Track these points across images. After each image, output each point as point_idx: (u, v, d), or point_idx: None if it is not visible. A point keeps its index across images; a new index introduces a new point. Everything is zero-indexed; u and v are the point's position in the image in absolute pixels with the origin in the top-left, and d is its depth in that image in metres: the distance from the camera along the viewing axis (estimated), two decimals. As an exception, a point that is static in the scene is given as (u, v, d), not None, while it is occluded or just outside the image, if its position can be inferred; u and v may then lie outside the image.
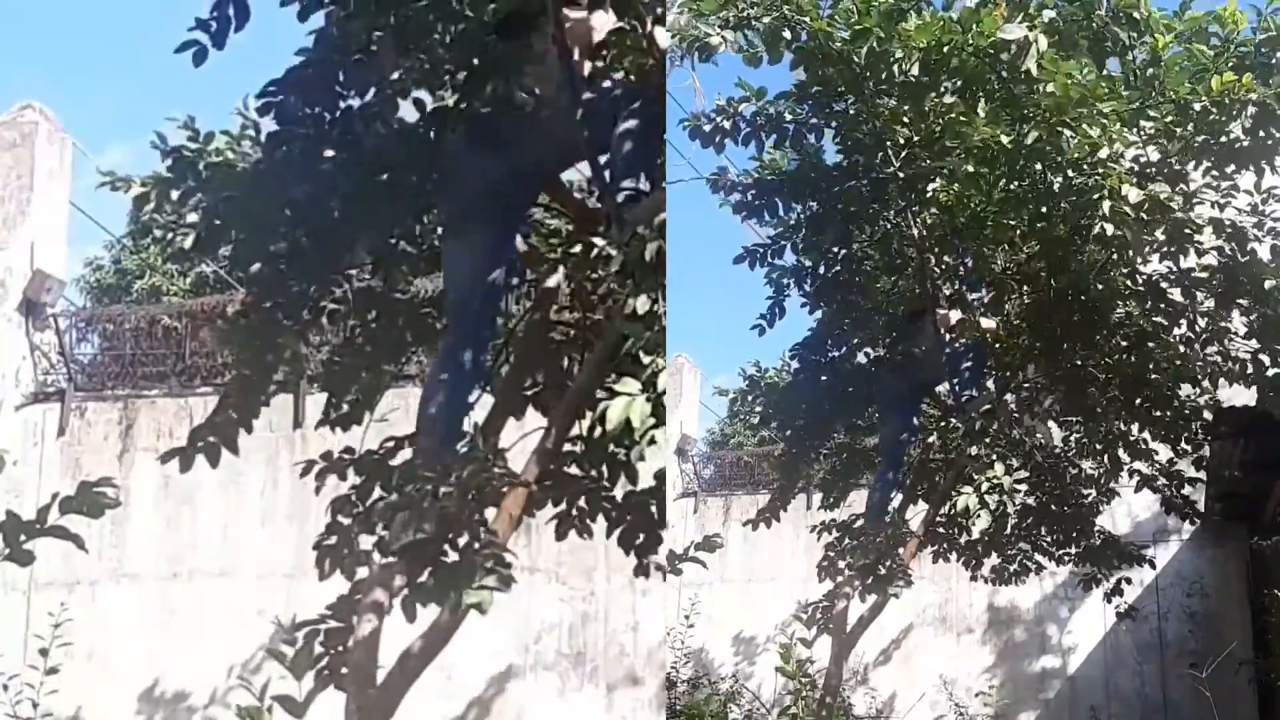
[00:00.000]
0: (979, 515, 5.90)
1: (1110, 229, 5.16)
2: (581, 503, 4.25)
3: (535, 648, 9.41)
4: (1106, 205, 5.01)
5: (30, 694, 7.75)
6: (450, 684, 9.06)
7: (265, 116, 4.09)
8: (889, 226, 6.61)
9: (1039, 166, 5.37)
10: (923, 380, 7.13)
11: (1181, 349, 6.43)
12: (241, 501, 9.65)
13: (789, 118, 5.98)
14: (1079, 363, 6.65)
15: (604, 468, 4.17)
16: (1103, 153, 5.08)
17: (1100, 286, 5.97)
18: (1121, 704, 11.45)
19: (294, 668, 2.96)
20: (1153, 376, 6.62)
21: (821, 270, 7.07)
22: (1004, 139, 5.10)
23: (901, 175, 5.81)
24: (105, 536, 9.34)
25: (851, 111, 5.86)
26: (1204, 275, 5.98)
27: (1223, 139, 5.33)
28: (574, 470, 4.20)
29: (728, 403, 18.15)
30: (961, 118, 5.15)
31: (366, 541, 3.86)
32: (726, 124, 5.96)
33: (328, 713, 3.39)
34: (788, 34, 5.27)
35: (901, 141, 5.67)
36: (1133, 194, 5.01)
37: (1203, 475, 7.93)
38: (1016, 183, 5.62)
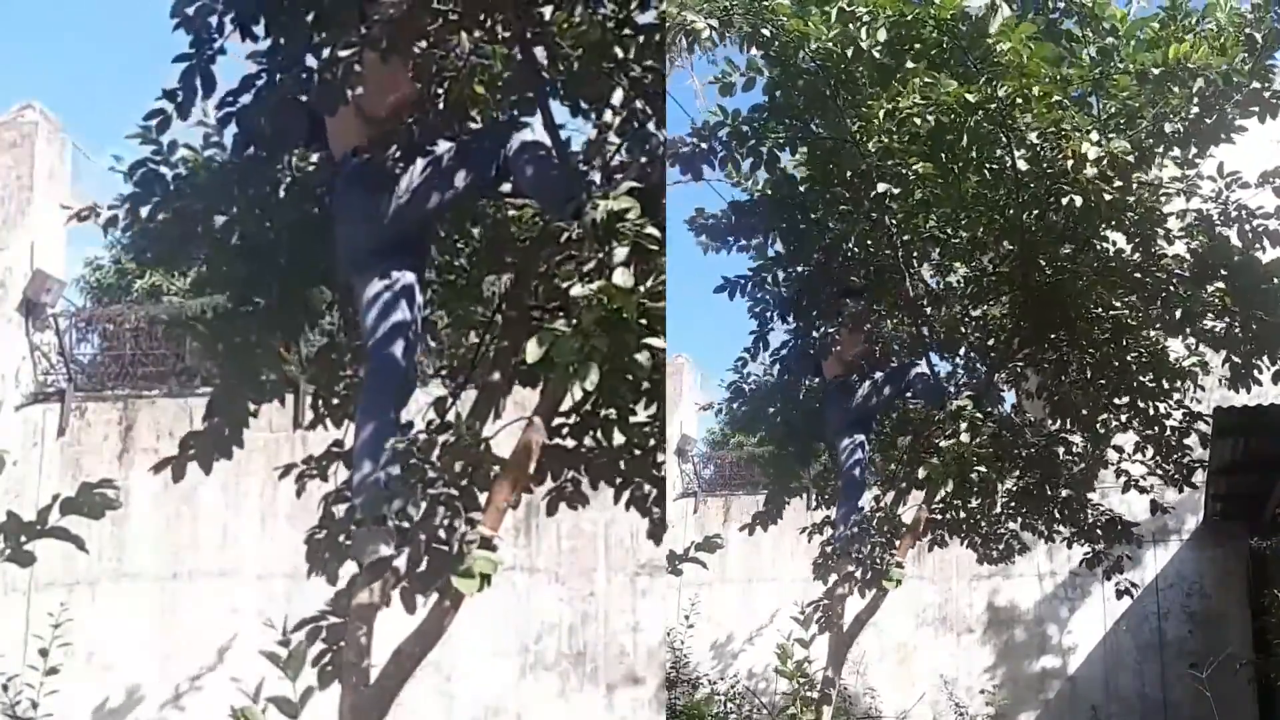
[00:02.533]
0: (941, 483, 5.95)
1: (1079, 200, 5.22)
2: (579, 472, 4.20)
3: (535, 648, 9.41)
4: (1069, 164, 5.07)
5: (30, 694, 7.75)
6: (450, 684, 9.07)
7: (226, 128, 4.00)
8: (865, 236, 6.62)
9: (1003, 139, 5.40)
10: (866, 407, 7.14)
11: (1153, 335, 6.48)
12: (241, 501, 9.66)
13: (760, 133, 6.05)
14: (1063, 359, 6.70)
15: (598, 432, 4.10)
16: (1066, 125, 5.15)
17: (1069, 270, 6.00)
18: (1121, 704, 11.46)
19: (288, 668, 2.96)
20: (1133, 367, 6.65)
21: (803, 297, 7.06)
22: (969, 97, 5.13)
23: (876, 176, 5.84)
24: (105, 536, 9.35)
25: (816, 128, 5.98)
26: (1172, 263, 6.04)
27: (1182, 119, 5.35)
28: (568, 442, 4.15)
29: (725, 405, 18.09)
30: (928, 79, 5.18)
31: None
32: (704, 146, 6.04)
33: (323, 712, 3.39)
34: (766, 32, 5.38)
35: (871, 150, 5.71)
36: (1091, 151, 5.04)
37: (1168, 467, 7.89)
38: (980, 153, 5.62)
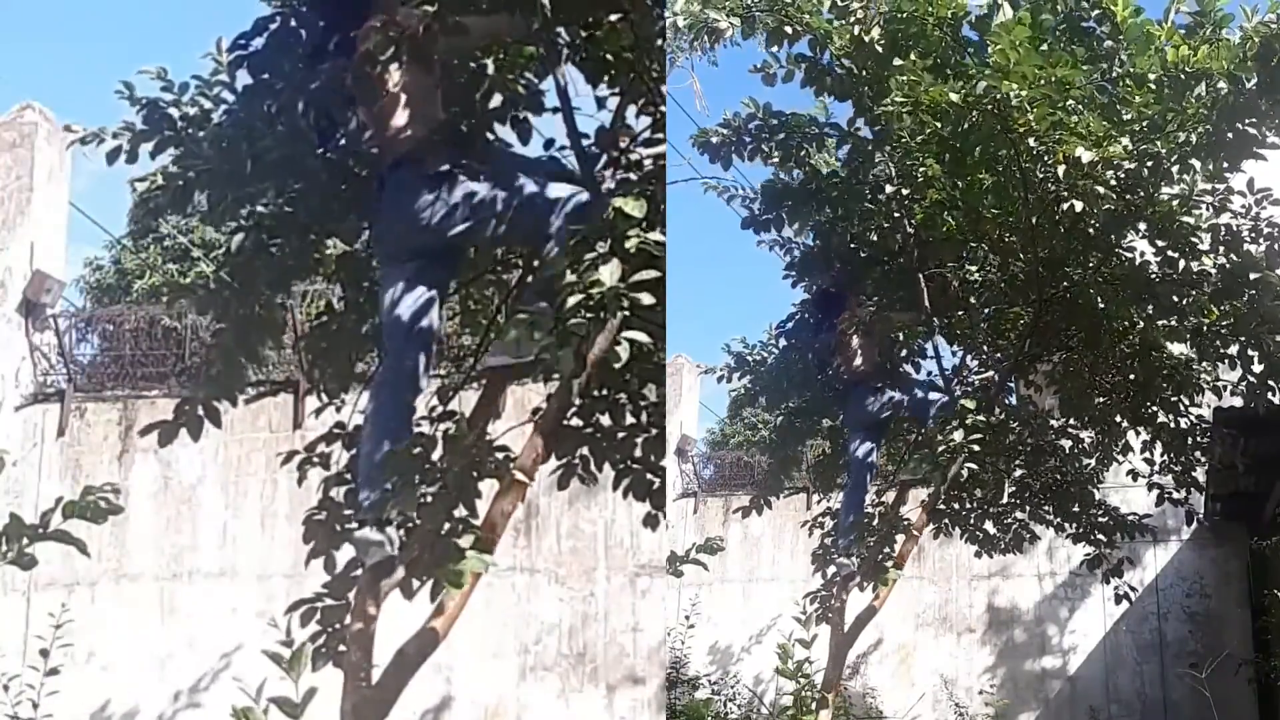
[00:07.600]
0: (930, 477, 5.97)
1: (1079, 206, 5.19)
2: (585, 452, 4.19)
3: (535, 648, 9.41)
4: (1060, 169, 5.04)
5: (30, 694, 7.74)
6: (450, 686, 9.08)
7: (239, 69, 3.94)
8: (885, 236, 6.61)
9: (1006, 141, 5.36)
10: (880, 415, 7.14)
11: (1178, 352, 6.45)
12: (241, 501, 9.65)
13: (792, 127, 6.09)
14: (1081, 367, 6.68)
15: (607, 415, 4.10)
16: (1065, 129, 5.11)
17: (1089, 280, 5.98)
18: (1121, 704, 11.46)
19: (290, 668, 2.96)
20: (1161, 384, 6.63)
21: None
22: (954, 96, 5.08)
23: (896, 176, 5.83)
24: (105, 537, 9.33)
25: (846, 126, 6.01)
26: (1198, 277, 6.01)
27: (1193, 125, 5.31)
28: (576, 422, 4.11)
29: (727, 400, 18.12)
30: (914, 78, 5.14)
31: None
32: (733, 138, 6.06)
33: (324, 712, 3.39)
34: (789, 30, 5.39)
35: (890, 151, 5.71)
36: (1086, 155, 5.01)
37: (1200, 476, 7.92)
38: (984, 155, 5.61)
